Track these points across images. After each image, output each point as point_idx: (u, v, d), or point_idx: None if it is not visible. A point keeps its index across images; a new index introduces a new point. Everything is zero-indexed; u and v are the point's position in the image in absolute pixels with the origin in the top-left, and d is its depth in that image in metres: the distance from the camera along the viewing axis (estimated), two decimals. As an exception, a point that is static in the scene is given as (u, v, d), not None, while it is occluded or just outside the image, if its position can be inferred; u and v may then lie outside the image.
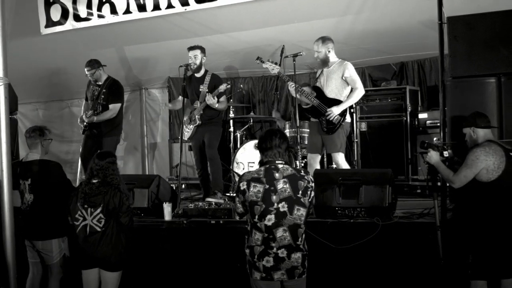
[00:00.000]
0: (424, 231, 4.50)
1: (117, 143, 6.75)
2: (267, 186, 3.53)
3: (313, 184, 3.62)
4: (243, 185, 3.59)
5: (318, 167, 5.85)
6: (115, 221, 4.15)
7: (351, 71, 5.66)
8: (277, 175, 3.55)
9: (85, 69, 6.49)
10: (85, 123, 6.52)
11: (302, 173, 3.62)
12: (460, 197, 4.27)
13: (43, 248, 4.55)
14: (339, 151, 5.69)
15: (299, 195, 3.53)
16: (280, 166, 3.59)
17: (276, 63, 5.87)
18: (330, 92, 5.70)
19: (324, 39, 5.69)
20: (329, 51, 5.70)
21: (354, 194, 4.87)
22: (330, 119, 5.60)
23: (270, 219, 3.50)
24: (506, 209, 3.89)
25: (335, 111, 5.58)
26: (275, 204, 3.51)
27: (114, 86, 6.55)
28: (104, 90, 6.49)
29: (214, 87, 6.13)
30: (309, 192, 3.58)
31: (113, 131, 6.57)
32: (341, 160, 5.71)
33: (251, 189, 3.55)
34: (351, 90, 5.68)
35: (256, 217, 3.53)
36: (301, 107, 5.91)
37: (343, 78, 5.65)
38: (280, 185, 3.53)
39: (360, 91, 5.67)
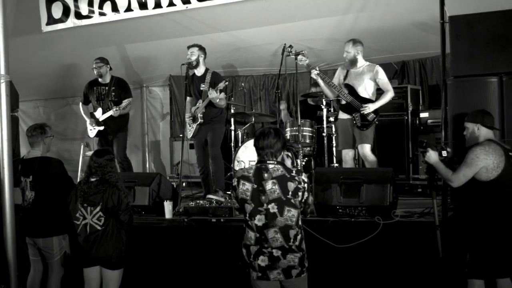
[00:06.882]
0: (424, 230, 4.50)
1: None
2: (255, 186, 3.54)
3: (305, 185, 3.58)
4: (234, 182, 3.64)
5: (352, 162, 5.93)
6: (115, 219, 4.15)
7: (383, 75, 5.82)
8: (265, 175, 3.54)
9: (94, 62, 6.67)
10: (100, 122, 6.63)
11: (293, 174, 3.57)
12: (460, 196, 4.27)
13: (44, 245, 4.55)
14: (369, 143, 5.79)
15: (289, 196, 3.51)
16: (270, 166, 3.58)
17: (304, 54, 5.96)
18: (362, 92, 5.81)
19: (354, 41, 5.83)
20: (358, 53, 5.82)
21: (355, 193, 4.87)
22: (365, 113, 5.71)
23: (261, 220, 3.51)
24: (504, 209, 3.89)
25: (371, 107, 5.71)
26: (265, 205, 3.51)
27: (123, 82, 6.82)
28: (113, 88, 6.69)
29: (214, 84, 6.15)
30: (300, 193, 3.55)
31: (126, 126, 6.85)
32: (368, 151, 5.78)
33: (241, 186, 3.58)
34: (382, 92, 5.83)
35: (247, 215, 3.56)
36: (304, 104, 5.94)
37: (376, 81, 5.81)
38: (269, 185, 3.52)
39: (391, 93, 5.81)
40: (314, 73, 5.86)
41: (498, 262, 3.86)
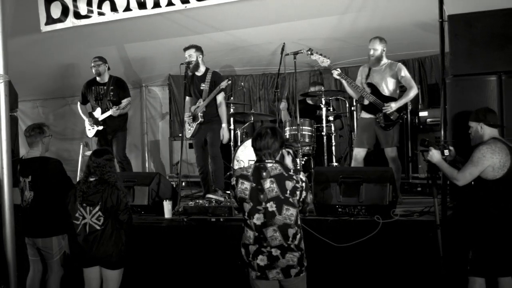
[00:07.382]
0: (424, 229, 4.50)
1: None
2: (254, 185, 3.55)
3: (303, 184, 3.58)
4: (233, 181, 3.65)
5: (361, 161, 5.86)
6: (114, 219, 4.15)
7: (405, 72, 5.77)
8: (264, 174, 3.55)
9: (93, 60, 6.67)
10: (99, 121, 6.63)
11: (291, 173, 3.58)
12: (464, 195, 4.25)
13: (43, 245, 4.54)
14: (395, 145, 5.77)
15: (287, 195, 3.52)
16: (268, 165, 3.58)
17: (325, 56, 5.90)
18: (384, 91, 5.78)
19: (380, 38, 5.77)
20: (384, 50, 5.78)
21: (354, 192, 4.87)
22: (387, 112, 5.66)
23: (259, 218, 3.52)
24: (509, 208, 3.88)
25: (393, 106, 5.65)
26: (263, 204, 3.51)
27: (121, 82, 6.80)
28: (112, 87, 6.68)
29: (214, 83, 6.15)
30: (298, 192, 3.55)
31: (125, 125, 6.84)
32: (394, 154, 5.75)
33: (239, 185, 3.59)
34: (405, 89, 5.78)
35: (246, 214, 3.57)
36: (303, 103, 5.91)
37: (399, 78, 5.75)
38: (267, 184, 3.53)
39: (415, 89, 5.76)
40: (335, 74, 5.81)
41: (501, 261, 3.86)
